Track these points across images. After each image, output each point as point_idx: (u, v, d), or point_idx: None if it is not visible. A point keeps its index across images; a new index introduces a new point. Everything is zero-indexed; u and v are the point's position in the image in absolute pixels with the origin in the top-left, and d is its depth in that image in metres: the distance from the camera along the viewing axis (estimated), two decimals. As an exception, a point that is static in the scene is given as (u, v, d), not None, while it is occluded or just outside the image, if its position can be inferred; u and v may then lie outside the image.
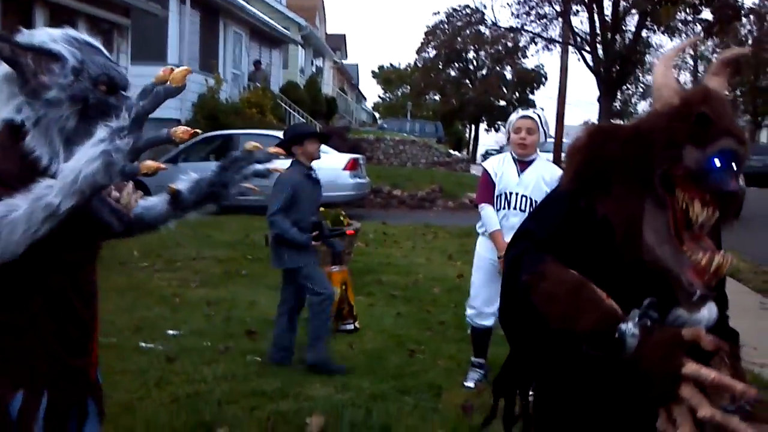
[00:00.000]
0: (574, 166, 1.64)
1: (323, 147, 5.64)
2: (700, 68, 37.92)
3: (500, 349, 5.04)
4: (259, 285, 7.73)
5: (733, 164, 1.52)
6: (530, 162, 4.76)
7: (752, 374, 5.21)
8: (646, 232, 1.56)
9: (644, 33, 21.31)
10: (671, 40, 22.91)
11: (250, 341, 5.75)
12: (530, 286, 1.54)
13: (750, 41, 33.11)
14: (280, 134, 14.87)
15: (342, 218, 7.99)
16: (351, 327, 6.14)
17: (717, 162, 1.51)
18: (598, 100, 21.47)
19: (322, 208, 9.09)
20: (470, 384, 4.84)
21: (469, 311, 4.95)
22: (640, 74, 25.24)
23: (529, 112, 4.85)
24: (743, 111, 36.37)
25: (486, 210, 4.76)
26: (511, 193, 4.68)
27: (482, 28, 32.95)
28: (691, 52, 35.63)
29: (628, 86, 24.05)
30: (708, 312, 1.62)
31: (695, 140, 1.53)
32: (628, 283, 1.57)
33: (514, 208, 4.68)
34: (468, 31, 40.64)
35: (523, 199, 4.67)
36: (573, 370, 1.64)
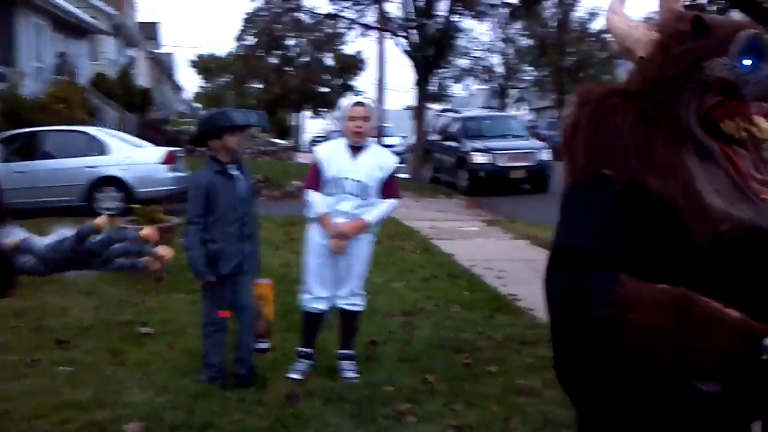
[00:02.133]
0: (584, 145, 1.35)
1: (139, 141, 5.32)
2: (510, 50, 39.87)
3: (329, 334, 5.08)
4: (71, 291, 7.30)
5: (763, 50, 1.31)
6: (364, 148, 4.80)
7: None
8: (709, 197, 1.27)
9: (455, 17, 22.05)
10: (480, 23, 23.91)
11: (62, 351, 5.42)
12: (614, 321, 1.14)
13: (555, 24, 35.23)
14: (89, 129, 14.21)
15: (158, 214, 7.70)
16: (264, 347, 5.11)
17: (748, 60, 1.30)
18: (415, 84, 22.05)
19: (137, 205, 8.76)
20: (296, 376, 4.83)
21: (303, 296, 4.94)
22: (453, 58, 26.16)
23: (363, 100, 4.89)
24: (550, 89, 38.69)
25: (311, 195, 4.77)
26: (343, 179, 4.70)
27: (301, 15, 32.82)
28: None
29: (442, 70, 24.80)
30: None
31: (710, 51, 1.30)
32: (713, 273, 1.26)
33: (347, 193, 4.70)
34: (287, 18, 40.42)
35: (356, 184, 4.70)
36: (681, 419, 1.26)
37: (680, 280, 1.20)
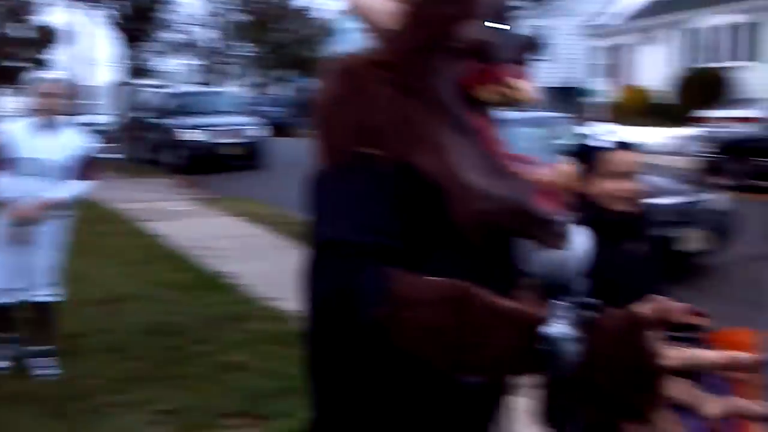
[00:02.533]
0: (346, 123, 1.23)
1: None
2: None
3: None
4: None
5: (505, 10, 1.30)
6: (56, 126, 4.47)
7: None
8: (467, 173, 1.21)
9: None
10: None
11: None
12: (386, 323, 1.04)
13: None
14: None
15: None
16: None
17: (494, 22, 1.27)
18: (123, 59, 20.95)
19: None
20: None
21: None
22: (161, 31, 25.14)
23: (55, 75, 4.57)
24: (268, 66, 38.86)
25: None
26: (33, 159, 4.35)
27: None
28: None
29: (151, 43, 23.75)
30: (579, 237, 1.34)
31: (458, 15, 1.25)
32: (479, 256, 1.22)
33: (36, 175, 4.35)
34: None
35: (46, 164, 4.37)
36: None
37: (450, 268, 1.14)
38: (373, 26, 1.31)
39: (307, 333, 1.22)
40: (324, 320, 1.14)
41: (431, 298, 1.03)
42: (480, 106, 1.29)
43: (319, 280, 1.13)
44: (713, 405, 0.89)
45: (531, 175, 1.27)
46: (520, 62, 1.29)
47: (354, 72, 1.26)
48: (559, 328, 0.94)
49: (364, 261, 1.09)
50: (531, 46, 1.31)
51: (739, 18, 23.99)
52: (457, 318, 1.00)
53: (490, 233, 1.22)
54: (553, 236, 1.25)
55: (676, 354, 0.89)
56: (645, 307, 0.94)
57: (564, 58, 29.56)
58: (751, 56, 23.53)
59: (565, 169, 1.34)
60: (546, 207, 1.24)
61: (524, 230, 1.26)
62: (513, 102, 1.29)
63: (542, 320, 0.96)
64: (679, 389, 0.90)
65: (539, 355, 0.94)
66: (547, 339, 0.94)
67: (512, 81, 1.26)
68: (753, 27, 23.77)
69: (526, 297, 1.29)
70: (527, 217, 1.23)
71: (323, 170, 1.24)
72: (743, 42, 24.07)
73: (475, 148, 1.24)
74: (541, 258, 1.33)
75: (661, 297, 0.95)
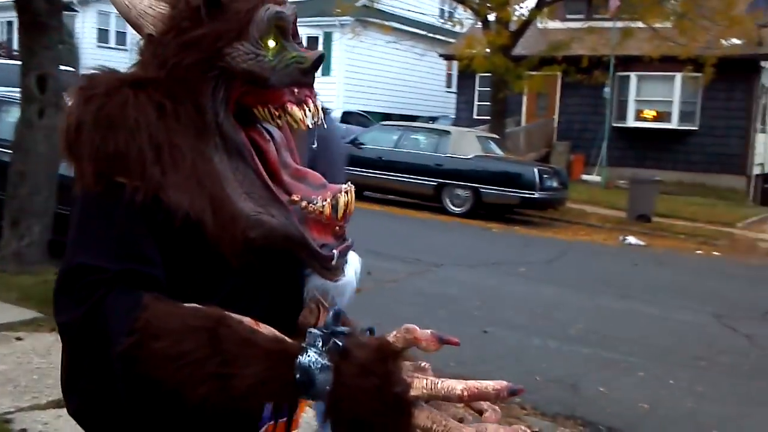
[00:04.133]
0: (91, 151, 1.11)
1: None
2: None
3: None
4: None
5: (287, 28, 1.20)
6: None
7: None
8: (239, 201, 1.15)
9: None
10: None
11: None
12: (137, 352, 0.99)
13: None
14: None
15: None
16: None
17: (272, 42, 1.17)
18: None
19: None
20: None
21: None
22: None
23: None
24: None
25: None
26: None
27: None
28: None
29: None
30: (352, 268, 1.30)
31: (230, 35, 1.15)
32: (244, 283, 1.19)
33: None
34: None
35: None
36: None
37: (211, 293, 1.13)
38: (135, 27, 1.21)
39: (63, 359, 1.15)
40: (75, 353, 1.10)
41: (183, 325, 0.99)
42: (257, 120, 1.23)
43: (64, 310, 1.08)
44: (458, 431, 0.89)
45: (308, 201, 1.21)
46: (302, 84, 1.20)
47: (98, 93, 1.14)
48: (311, 357, 0.94)
49: (112, 287, 1.04)
50: (308, 69, 1.20)
51: (312, 31, 24.23)
52: (210, 347, 0.97)
53: (260, 255, 1.17)
54: (327, 269, 1.21)
55: (421, 384, 0.90)
56: (393, 336, 0.94)
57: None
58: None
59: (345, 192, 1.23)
60: (320, 237, 1.20)
61: (295, 253, 1.21)
62: (292, 129, 1.23)
63: (298, 349, 0.95)
64: (428, 417, 0.90)
65: (294, 384, 0.94)
66: (301, 368, 0.93)
67: (290, 108, 1.18)
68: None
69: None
70: (299, 247, 1.18)
71: (79, 195, 1.15)
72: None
73: (250, 172, 1.17)
74: (315, 283, 1.30)
75: (410, 325, 0.94)
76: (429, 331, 0.93)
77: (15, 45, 20.60)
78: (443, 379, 0.91)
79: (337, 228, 1.22)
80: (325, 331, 0.96)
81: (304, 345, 0.95)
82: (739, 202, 19.64)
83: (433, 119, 24.70)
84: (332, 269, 1.20)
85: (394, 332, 0.94)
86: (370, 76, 24.47)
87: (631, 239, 12.62)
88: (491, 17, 17.32)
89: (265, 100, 1.18)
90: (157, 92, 1.14)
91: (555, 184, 14.03)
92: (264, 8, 1.16)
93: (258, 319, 1.07)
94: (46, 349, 4.70)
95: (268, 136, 1.24)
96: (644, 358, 6.07)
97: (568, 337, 6.41)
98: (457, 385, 0.90)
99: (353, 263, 1.30)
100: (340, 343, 0.94)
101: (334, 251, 1.20)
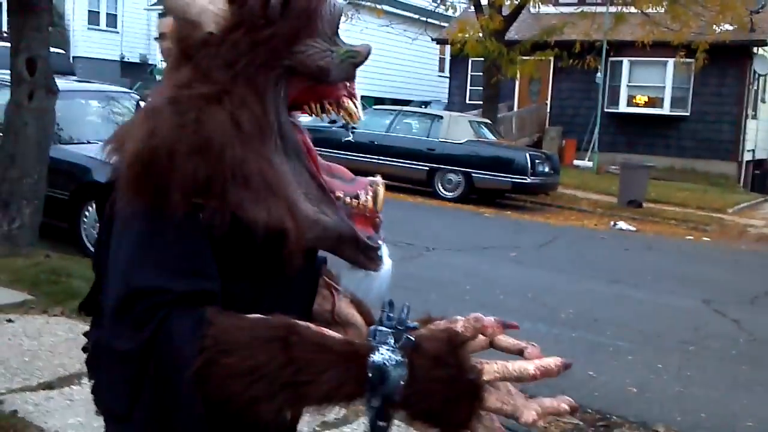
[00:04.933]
0: (181, 173, 1.02)
1: None
2: None
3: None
4: None
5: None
6: None
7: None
8: (301, 204, 1.13)
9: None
10: None
11: None
12: (206, 371, 0.95)
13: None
14: None
15: None
16: None
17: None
18: None
19: None
20: None
21: None
22: None
23: None
24: None
25: None
26: None
27: None
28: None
29: None
30: (387, 258, 1.32)
31: (300, 33, 1.13)
32: (295, 284, 1.21)
33: None
34: None
35: None
36: None
37: (265, 298, 1.12)
38: (189, 26, 1.12)
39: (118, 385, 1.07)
40: (136, 373, 1.01)
41: (254, 337, 0.97)
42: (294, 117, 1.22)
43: (124, 335, 1.01)
44: (530, 412, 0.94)
45: (350, 196, 1.24)
46: (350, 79, 1.22)
47: (189, 108, 1.05)
48: (384, 354, 0.95)
49: (174, 308, 0.99)
50: (361, 63, 1.21)
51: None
52: (284, 355, 0.95)
53: (309, 254, 1.19)
54: (372, 259, 1.25)
55: (493, 368, 0.94)
56: (460, 325, 0.97)
57: (132, 31, 29.42)
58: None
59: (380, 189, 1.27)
60: (364, 231, 1.24)
61: (343, 254, 1.23)
62: (344, 120, 1.24)
63: (368, 348, 0.96)
64: (497, 399, 0.94)
65: (368, 383, 0.94)
66: (374, 366, 0.94)
67: (346, 102, 1.20)
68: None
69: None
70: (349, 243, 1.21)
71: (140, 211, 1.05)
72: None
73: (305, 172, 1.17)
74: (357, 280, 1.31)
75: (477, 314, 0.98)
76: (493, 318, 0.97)
77: (5, 27, 20.47)
78: (512, 362, 0.94)
79: (377, 220, 1.27)
80: (398, 327, 0.99)
81: (374, 344, 0.97)
82: (730, 188, 19.73)
83: (426, 104, 24.68)
84: (376, 259, 1.25)
85: (461, 321, 0.98)
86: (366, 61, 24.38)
87: (622, 224, 12.68)
88: (484, 1, 17.27)
89: (321, 96, 1.19)
90: (230, 103, 1.08)
91: (547, 169, 14.05)
92: (329, 3, 1.15)
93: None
94: (36, 331, 4.72)
95: (338, 113, 1.24)
96: (633, 342, 6.12)
97: (558, 321, 6.45)
98: (529, 366, 0.95)
99: (388, 257, 1.33)
100: (412, 338, 0.96)
101: (380, 241, 1.25)
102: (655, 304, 7.56)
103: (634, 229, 12.63)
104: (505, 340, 1.02)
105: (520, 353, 1.00)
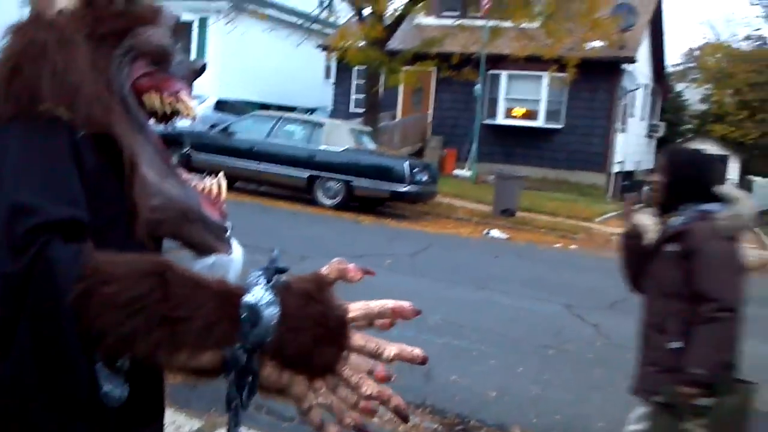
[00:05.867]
0: (48, 78, 1.10)
1: None
2: None
3: None
4: None
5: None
6: None
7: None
8: (144, 168, 1.20)
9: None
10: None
11: None
12: (84, 301, 0.95)
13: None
14: None
15: None
16: None
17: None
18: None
19: None
20: None
21: None
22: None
23: None
24: None
25: None
26: None
27: None
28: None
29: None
30: (237, 248, 1.36)
31: (143, 19, 1.26)
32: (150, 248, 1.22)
33: None
34: None
35: None
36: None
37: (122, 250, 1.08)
38: (44, 2, 1.23)
39: None
40: (12, 299, 0.99)
41: (133, 269, 0.97)
42: (145, 113, 1.31)
43: (5, 253, 1.00)
44: (391, 348, 0.97)
45: (196, 182, 1.33)
46: (188, 81, 1.35)
47: (58, 25, 1.16)
48: (256, 294, 0.97)
49: (56, 233, 1.00)
50: (201, 70, 1.38)
51: (187, 16, 23.63)
52: (161, 289, 0.96)
53: (155, 233, 1.23)
54: (222, 241, 1.30)
55: (355, 306, 0.99)
56: (326, 269, 1.01)
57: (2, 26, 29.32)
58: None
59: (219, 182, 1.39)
60: (211, 213, 1.31)
61: (190, 234, 1.28)
62: (174, 114, 1.33)
63: (242, 289, 0.98)
64: (361, 337, 0.98)
65: (242, 323, 0.96)
66: (248, 305, 0.96)
67: (183, 95, 1.31)
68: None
69: None
70: (196, 219, 1.27)
71: (5, 127, 1.10)
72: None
73: (149, 147, 1.24)
74: (206, 268, 1.33)
75: (340, 258, 1.02)
76: (353, 264, 1.01)
77: None
78: (374, 301, 1.00)
79: (223, 207, 1.33)
80: (269, 269, 1.00)
81: (248, 284, 0.98)
82: (598, 198, 20.66)
83: (311, 111, 24.62)
84: (225, 241, 1.29)
85: (326, 266, 1.01)
86: (247, 65, 24.12)
87: (495, 232, 13.05)
88: (367, 10, 17.43)
89: (160, 87, 1.28)
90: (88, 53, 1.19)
91: (425, 178, 14.27)
92: (167, 10, 1.33)
93: None
94: None
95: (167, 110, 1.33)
96: (496, 346, 6.29)
97: (425, 328, 6.53)
98: (387, 303, 0.99)
99: (238, 248, 1.35)
100: (282, 279, 0.99)
101: (228, 223, 1.31)
102: (520, 310, 7.80)
103: (506, 237, 13.02)
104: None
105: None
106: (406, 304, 1.00)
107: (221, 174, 1.39)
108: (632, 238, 3.27)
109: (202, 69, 1.37)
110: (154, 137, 1.30)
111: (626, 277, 3.39)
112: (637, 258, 3.22)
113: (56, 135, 1.10)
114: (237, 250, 1.35)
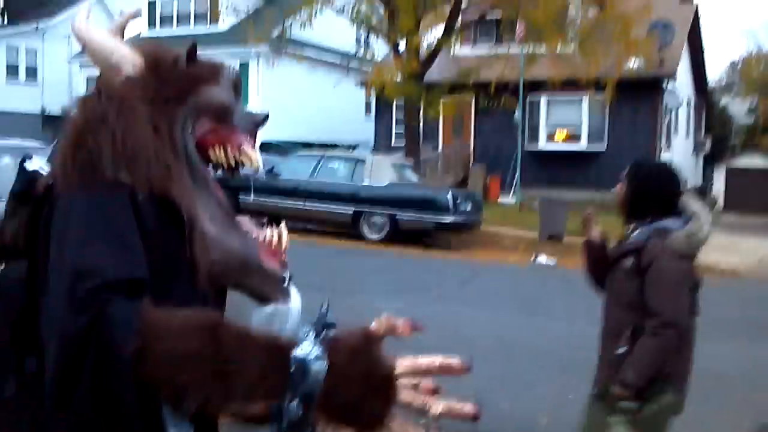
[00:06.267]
0: (109, 145, 1.21)
1: None
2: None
3: None
4: None
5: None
6: None
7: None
8: (205, 222, 1.28)
9: None
10: None
11: None
12: (139, 355, 1.01)
13: None
14: None
15: None
16: None
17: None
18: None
19: None
20: None
21: None
22: None
23: None
24: None
25: None
26: None
27: None
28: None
29: None
30: (296, 297, 1.40)
31: (204, 78, 1.36)
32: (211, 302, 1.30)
33: None
34: None
35: None
36: None
37: (187, 304, 1.15)
38: (110, 68, 1.33)
39: (51, 372, 1.09)
40: (75, 355, 1.05)
41: (185, 325, 1.03)
42: (207, 164, 1.40)
43: (68, 312, 1.07)
44: (438, 405, 1.00)
45: (253, 233, 1.38)
46: (251, 134, 1.43)
47: (118, 95, 1.26)
48: (305, 349, 1.01)
49: (115, 293, 1.07)
50: (263, 121, 1.46)
51: (228, 62, 23.50)
52: (212, 344, 1.01)
53: (217, 283, 1.30)
54: (280, 291, 1.35)
55: (404, 363, 1.01)
56: (375, 324, 1.04)
57: (50, 82, 29.68)
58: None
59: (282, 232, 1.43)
60: (270, 263, 1.36)
61: (251, 284, 1.34)
62: (239, 165, 1.41)
63: (291, 343, 1.02)
64: (408, 393, 1.00)
65: (291, 377, 0.99)
66: (297, 359, 1.00)
67: (246, 148, 1.39)
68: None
69: None
70: (255, 270, 1.32)
71: (70, 195, 1.19)
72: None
73: (212, 200, 1.32)
74: (266, 316, 1.37)
75: (388, 314, 1.05)
76: (403, 318, 1.05)
77: None
78: (421, 356, 1.02)
79: (283, 257, 1.37)
80: (318, 324, 1.04)
81: (298, 338, 1.02)
82: (647, 218, 20.26)
83: (353, 147, 24.89)
84: (283, 291, 1.33)
85: (374, 321, 1.04)
86: (288, 106, 24.55)
87: (542, 258, 12.98)
88: (402, 46, 17.67)
89: (224, 141, 1.37)
90: (149, 108, 1.28)
91: (469, 207, 14.32)
92: (227, 67, 1.42)
93: None
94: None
95: (232, 162, 1.42)
96: (547, 372, 6.28)
97: (475, 354, 6.55)
98: (436, 360, 1.02)
99: (297, 297, 1.39)
100: (331, 333, 1.03)
101: (286, 274, 1.34)
102: (571, 335, 7.76)
103: (554, 263, 12.93)
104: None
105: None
106: (454, 360, 1.02)
107: (283, 224, 1.44)
108: (594, 246, 3.40)
109: (264, 120, 1.47)
110: (218, 191, 1.38)
111: (591, 282, 3.55)
112: (600, 265, 3.36)
113: (117, 198, 1.18)
114: (295, 299, 1.37)
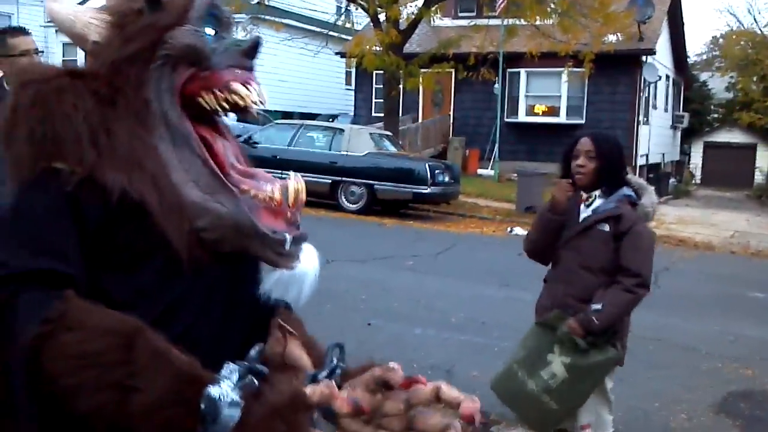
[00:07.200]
0: (27, 135, 1.12)
1: None
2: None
3: None
4: None
5: (222, 19, 1.27)
6: None
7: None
8: (185, 189, 1.15)
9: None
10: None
11: None
12: (42, 342, 0.95)
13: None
14: None
15: None
16: None
17: (210, 30, 1.23)
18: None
19: None
20: None
21: None
22: None
23: None
24: None
25: None
26: None
27: None
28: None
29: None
30: (311, 258, 1.28)
31: (170, 22, 1.20)
32: (190, 281, 1.15)
33: None
34: None
35: None
36: None
37: (156, 298, 1.10)
38: (78, 39, 1.25)
39: None
40: None
41: (102, 324, 0.96)
42: (207, 114, 1.25)
43: None
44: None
45: (257, 190, 1.21)
46: (243, 67, 1.25)
47: (34, 80, 1.17)
48: (222, 389, 0.91)
49: (24, 285, 1.01)
50: (252, 49, 1.27)
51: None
52: (124, 352, 0.93)
53: (214, 253, 1.17)
54: (280, 256, 1.19)
55: None
56: (310, 389, 0.94)
57: None
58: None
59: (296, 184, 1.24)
60: (271, 224, 1.19)
61: (254, 249, 1.18)
62: (238, 107, 1.24)
63: (211, 379, 0.93)
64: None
65: (197, 413, 0.91)
66: (208, 398, 0.91)
67: (234, 86, 1.22)
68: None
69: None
70: (249, 235, 1.17)
71: (16, 189, 1.15)
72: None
73: (197, 161, 1.18)
74: (274, 281, 1.26)
75: (330, 382, 0.95)
76: (346, 393, 0.94)
77: None
78: None
79: (289, 215, 1.21)
80: (244, 365, 0.94)
81: (218, 376, 0.93)
82: (624, 192, 20.46)
83: (333, 117, 24.79)
84: (285, 255, 1.18)
85: (310, 387, 0.94)
86: (267, 75, 24.35)
87: (518, 230, 13.06)
88: (381, 16, 17.54)
89: (209, 85, 1.21)
90: (96, 83, 1.17)
91: (447, 179, 14.35)
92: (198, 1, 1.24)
93: (210, 334, 1.07)
94: None
95: (218, 136, 1.27)
96: (517, 343, 6.36)
97: (447, 326, 6.63)
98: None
99: (312, 257, 1.27)
100: (257, 382, 0.93)
101: (287, 235, 1.18)
102: (542, 305, 7.85)
103: (530, 234, 12.98)
104: (448, 392, 0.99)
105: (458, 407, 0.99)
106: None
107: (292, 175, 1.25)
108: (555, 214, 3.52)
109: (254, 46, 1.27)
110: (215, 144, 1.25)
111: (535, 248, 3.72)
112: (555, 233, 3.52)
113: (45, 189, 1.11)
114: (308, 261, 1.25)
